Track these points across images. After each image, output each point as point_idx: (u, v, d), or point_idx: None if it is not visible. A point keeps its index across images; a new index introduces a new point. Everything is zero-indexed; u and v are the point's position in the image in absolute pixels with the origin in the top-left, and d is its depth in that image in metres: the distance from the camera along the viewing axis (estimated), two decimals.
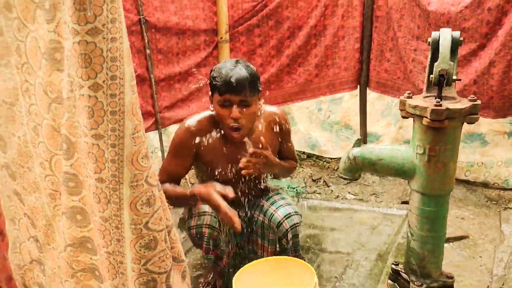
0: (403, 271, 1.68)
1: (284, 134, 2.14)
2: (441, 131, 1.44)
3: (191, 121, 2.05)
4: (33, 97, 1.10)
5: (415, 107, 1.45)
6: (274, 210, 2.08)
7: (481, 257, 2.47)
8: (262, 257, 2.14)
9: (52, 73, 1.01)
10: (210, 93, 1.97)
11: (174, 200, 1.83)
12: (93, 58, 0.88)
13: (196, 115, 2.10)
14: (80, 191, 1.13)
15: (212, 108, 1.99)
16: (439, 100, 1.41)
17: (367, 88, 3.42)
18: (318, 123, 3.73)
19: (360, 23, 3.27)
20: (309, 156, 3.84)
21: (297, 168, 2.30)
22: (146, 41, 2.99)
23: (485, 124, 3.01)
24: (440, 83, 1.46)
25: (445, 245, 2.57)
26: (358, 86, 3.44)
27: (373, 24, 3.24)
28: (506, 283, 2.20)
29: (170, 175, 2.03)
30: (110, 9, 0.86)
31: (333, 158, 3.74)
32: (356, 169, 1.65)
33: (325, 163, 3.74)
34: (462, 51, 2.77)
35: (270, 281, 1.95)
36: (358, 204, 3.07)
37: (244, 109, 1.86)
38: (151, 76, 3.07)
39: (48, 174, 1.18)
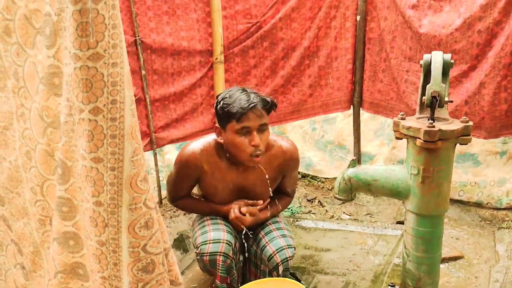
0: None
1: (290, 170, 2.18)
2: (434, 152, 1.46)
3: (196, 146, 2.05)
4: (28, 121, 1.11)
5: (408, 128, 1.47)
6: (266, 242, 2.05)
7: (476, 277, 2.47)
8: None
9: (49, 98, 1.02)
10: (218, 124, 1.97)
11: (195, 211, 2.25)
12: (94, 83, 0.89)
13: (199, 140, 2.12)
14: (74, 215, 1.12)
15: (221, 139, 1.99)
16: (432, 121, 1.44)
17: (361, 108, 3.46)
18: (312, 142, 3.75)
19: (353, 44, 3.33)
20: (304, 176, 3.85)
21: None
22: (142, 62, 3.02)
23: (477, 144, 3.04)
24: (433, 104, 1.49)
25: (441, 265, 2.59)
26: (352, 106, 3.48)
27: (365, 45, 3.30)
28: None
29: (179, 193, 2.19)
30: (111, 35, 0.88)
31: (328, 178, 3.75)
32: (351, 190, 1.66)
33: (319, 183, 3.75)
34: (454, 72, 2.82)
35: None
36: (353, 224, 3.07)
37: (263, 134, 1.90)
38: (146, 96, 3.09)
39: (38, 200, 1.18)
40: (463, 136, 1.45)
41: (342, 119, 3.64)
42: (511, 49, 2.59)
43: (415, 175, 1.52)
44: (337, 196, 1.68)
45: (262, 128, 1.88)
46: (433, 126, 1.41)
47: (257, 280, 2.00)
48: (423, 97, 1.52)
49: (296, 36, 3.31)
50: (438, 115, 1.57)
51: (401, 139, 1.54)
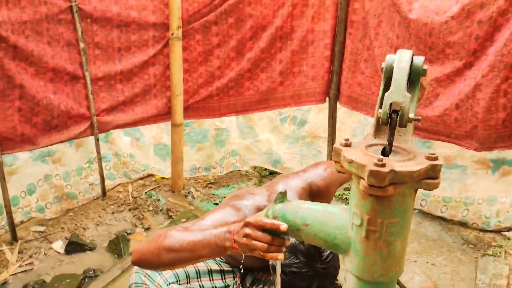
0: None
1: None
2: (384, 199, 1.01)
3: None
4: None
5: (350, 162, 1.02)
6: None
7: None
8: None
9: None
10: None
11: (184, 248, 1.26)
12: None
13: None
14: None
15: None
16: (383, 156, 0.99)
17: (337, 102, 2.99)
18: (282, 137, 3.30)
19: (332, 27, 2.84)
20: (271, 173, 3.42)
21: None
22: (80, 33, 2.55)
23: (467, 155, 2.60)
24: (392, 123, 1.04)
25: None
26: (327, 99, 3.01)
27: (347, 29, 2.80)
28: None
29: None
30: None
31: None
32: (276, 233, 1.22)
33: None
34: (446, 69, 2.36)
35: None
36: None
37: None
38: (85, 73, 2.64)
39: None
40: (428, 179, 1.01)
41: (317, 113, 3.17)
42: None
43: (358, 227, 1.07)
44: None
45: None
46: (383, 164, 0.96)
47: None
48: (379, 111, 1.07)
49: (267, 13, 2.82)
50: (399, 141, 1.11)
51: (343, 172, 1.09)
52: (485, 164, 2.57)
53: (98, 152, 2.88)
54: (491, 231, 2.66)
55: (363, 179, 1.00)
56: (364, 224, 1.05)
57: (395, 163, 0.99)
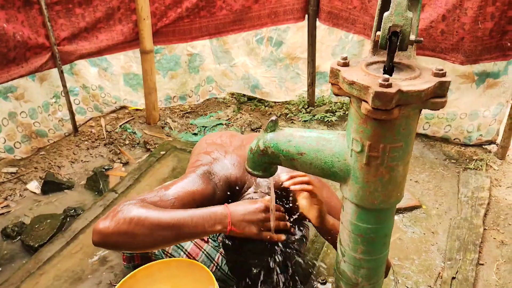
0: None
1: None
2: (388, 123, 0.93)
3: None
4: None
5: (351, 84, 0.92)
6: None
7: (433, 233, 2.11)
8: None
9: None
10: None
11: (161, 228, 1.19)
12: None
13: None
14: None
15: None
16: (388, 76, 0.89)
17: (317, 19, 2.82)
18: (259, 60, 3.14)
19: None
20: (250, 99, 3.30)
21: None
22: None
23: (449, 70, 2.52)
24: (391, 46, 0.93)
25: (394, 217, 2.21)
26: (306, 16, 2.83)
27: None
28: (460, 271, 1.85)
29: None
30: None
31: (277, 102, 3.22)
32: (269, 162, 1.14)
33: (267, 108, 3.21)
34: None
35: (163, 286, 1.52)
36: None
37: None
38: None
39: None
40: (435, 98, 0.92)
41: (295, 33, 3.00)
42: None
43: (358, 153, 1.00)
44: (249, 170, 1.17)
45: None
46: (389, 85, 0.86)
47: (161, 260, 1.55)
48: (377, 33, 0.95)
49: None
50: (400, 57, 1.01)
51: (341, 96, 0.99)
52: (469, 77, 2.51)
53: (64, 86, 2.69)
54: (472, 145, 2.67)
55: (366, 102, 0.90)
56: (365, 150, 0.97)
57: (401, 82, 0.90)
